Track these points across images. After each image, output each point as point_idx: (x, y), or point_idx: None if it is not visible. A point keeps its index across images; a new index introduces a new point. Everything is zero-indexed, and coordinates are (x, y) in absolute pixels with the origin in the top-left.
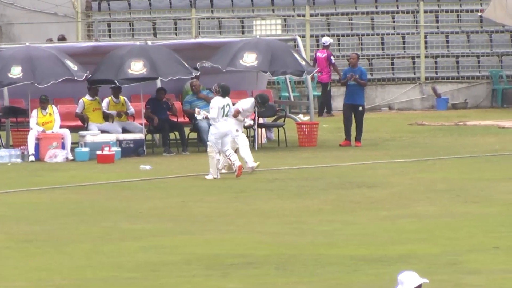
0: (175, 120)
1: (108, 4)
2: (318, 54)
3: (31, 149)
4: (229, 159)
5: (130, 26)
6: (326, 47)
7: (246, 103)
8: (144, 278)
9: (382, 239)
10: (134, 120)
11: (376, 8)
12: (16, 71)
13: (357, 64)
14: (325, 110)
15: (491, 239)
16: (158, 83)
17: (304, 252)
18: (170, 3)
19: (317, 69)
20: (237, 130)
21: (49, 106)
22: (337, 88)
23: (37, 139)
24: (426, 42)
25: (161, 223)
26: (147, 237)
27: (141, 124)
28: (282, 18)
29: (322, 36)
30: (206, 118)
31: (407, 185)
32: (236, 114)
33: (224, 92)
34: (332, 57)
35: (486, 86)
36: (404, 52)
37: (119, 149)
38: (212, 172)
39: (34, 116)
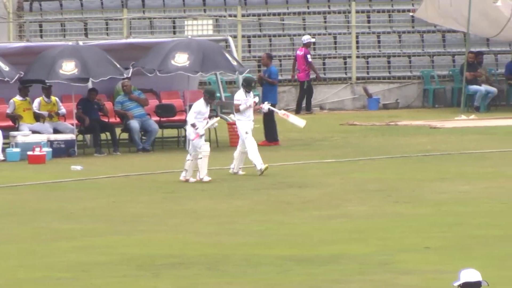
0: (106, 120)
1: (40, 5)
2: (297, 52)
3: None
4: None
5: (62, 26)
6: (305, 45)
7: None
8: (75, 278)
9: (314, 239)
10: (65, 121)
11: (308, 8)
12: None
13: (270, 63)
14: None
15: (423, 239)
16: (90, 84)
17: (235, 252)
18: (102, 3)
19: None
20: (246, 132)
21: None
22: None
23: None
24: (357, 42)
25: (92, 224)
26: (78, 238)
27: (72, 124)
28: (213, 18)
29: (254, 36)
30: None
31: (338, 185)
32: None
33: (211, 95)
34: (308, 56)
35: (417, 86)
36: (336, 52)
37: (50, 149)
38: (206, 173)
39: None
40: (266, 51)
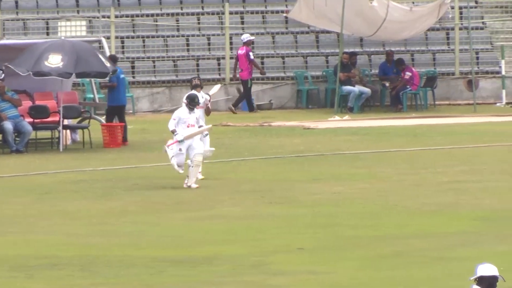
0: None
1: None
2: (239, 51)
3: None
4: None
5: None
6: (245, 43)
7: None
8: None
9: (188, 241)
10: None
11: (182, 9)
12: None
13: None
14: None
15: (296, 240)
16: None
17: (109, 253)
18: None
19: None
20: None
21: None
22: (141, 90)
23: None
24: (231, 43)
25: None
26: None
27: None
28: (87, 19)
29: (128, 38)
30: None
31: (212, 186)
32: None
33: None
34: (250, 53)
35: (291, 87)
36: (209, 53)
37: None
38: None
39: None
40: (139, 52)
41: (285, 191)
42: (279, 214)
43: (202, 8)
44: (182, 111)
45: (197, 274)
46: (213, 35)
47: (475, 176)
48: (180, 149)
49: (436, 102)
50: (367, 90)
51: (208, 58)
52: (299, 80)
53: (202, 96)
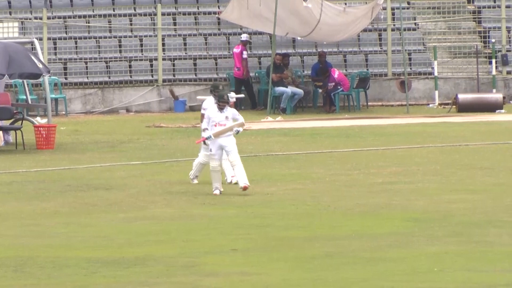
0: None
1: None
2: (234, 49)
3: None
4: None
5: None
6: (242, 42)
7: (207, 103)
8: None
9: (120, 241)
10: None
11: (114, 10)
12: None
13: None
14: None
15: (229, 241)
16: None
17: (41, 254)
18: None
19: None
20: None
21: None
22: (74, 91)
23: None
24: (163, 44)
25: None
26: None
27: None
28: (19, 20)
29: (60, 39)
30: None
31: (144, 187)
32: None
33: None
34: (244, 52)
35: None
36: (142, 54)
37: None
38: (218, 186)
39: None
40: (71, 53)
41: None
42: (212, 215)
43: (134, 9)
44: (212, 111)
45: (129, 275)
46: (146, 36)
47: (408, 177)
48: (210, 150)
49: (369, 103)
50: (299, 91)
51: (141, 59)
52: (231, 81)
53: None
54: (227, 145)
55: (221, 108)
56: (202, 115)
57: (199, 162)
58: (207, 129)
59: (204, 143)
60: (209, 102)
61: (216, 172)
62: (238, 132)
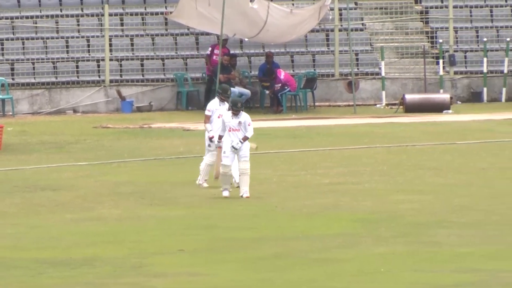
0: None
1: None
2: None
3: None
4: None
5: None
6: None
7: (211, 105)
8: None
9: (67, 242)
10: None
11: (61, 11)
12: None
13: None
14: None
15: (176, 242)
16: None
17: None
18: None
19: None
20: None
21: None
22: (21, 91)
23: None
24: (111, 45)
25: None
26: None
27: None
28: None
29: (7, 39)
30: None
31: (91, 188)
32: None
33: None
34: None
35: (171, 89)
36: (89, 55)
37: None
38: (228, 188)
39: None
40: (18, 54)
41: (165, 192)
42: (159, 216)
43: (82, 9)
44: (226, 115)
45: (77, 275)
46: (93, 36)
47: (355, 178)
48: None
49: (316, 104)
50: (247, 91)
51: (88, 60)
52: (179, 82)
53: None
54: (241, 152)
55: (234, 114)
56: (206, 116)
57: (206, 164)
58: (218, 136)
59: (210, 140)
60: (213, 104)
61: (226, 175)
62: (234, 148)
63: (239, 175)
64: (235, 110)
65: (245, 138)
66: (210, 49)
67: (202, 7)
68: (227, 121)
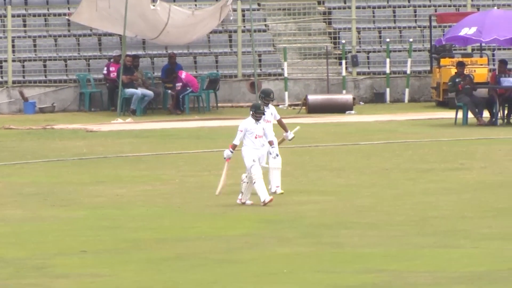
0: None
1: None
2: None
3: None
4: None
5: None
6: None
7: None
8: None
9: None
10: None
11: None
12: None
13: None
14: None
15: (79, 242)
16: None
17: None
18: None
19: None
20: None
21: None
22: None
23: None
24: (13, 46)
25: None
26: None
27: None
28: None
29: None
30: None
31: None
32: None
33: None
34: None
35: (73, 90)
36: None
37: None
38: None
39: None
40: None
41: (67, 193)
42: (62, 217)
43: None
44: (248, 121)
45: None
46: None
47: None
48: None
49: (219, 104)
50: (150, 92)
51: None
52: (81, 82)
53: (271, 113)
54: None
55: (257, 119)
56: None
57: (277, 167)
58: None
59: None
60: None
61: (253, 183)
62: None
63: (243, 181)
64: (258, 114)
65: (271, 143)
66: (105, 68)
67: (102, 8)
68: (250, 127)
